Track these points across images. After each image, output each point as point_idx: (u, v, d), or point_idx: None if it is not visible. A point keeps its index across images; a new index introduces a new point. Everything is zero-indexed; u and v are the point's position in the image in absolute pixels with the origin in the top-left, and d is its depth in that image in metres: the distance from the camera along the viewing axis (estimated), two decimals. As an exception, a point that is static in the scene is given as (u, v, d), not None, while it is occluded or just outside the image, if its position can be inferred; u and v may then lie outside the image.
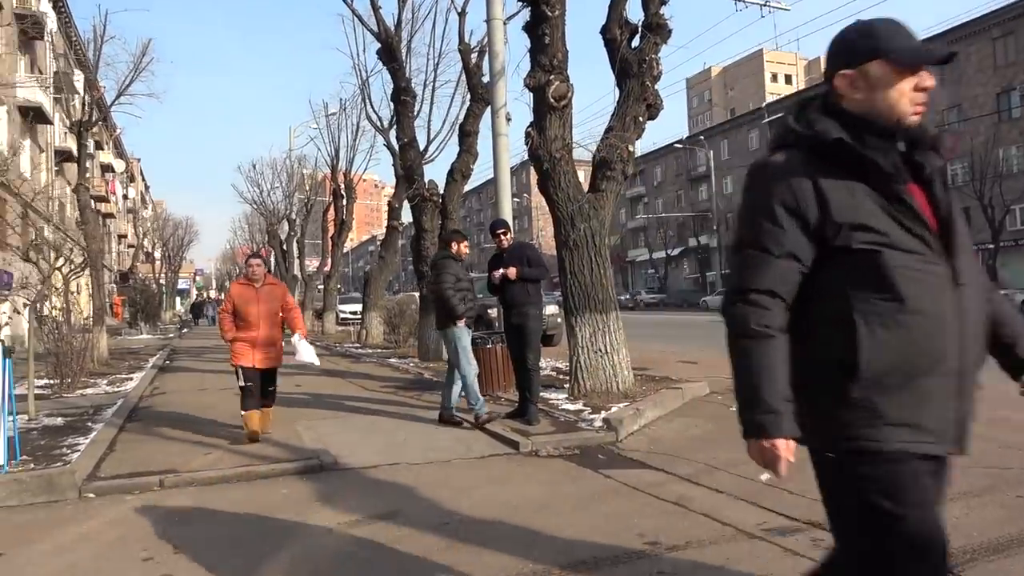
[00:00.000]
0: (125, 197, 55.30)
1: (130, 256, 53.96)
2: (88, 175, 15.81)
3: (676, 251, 58.26)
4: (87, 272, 13.70)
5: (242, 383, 6.25)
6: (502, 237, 6.90)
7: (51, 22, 27.79)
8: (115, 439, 6.39)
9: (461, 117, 13.15)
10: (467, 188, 14.99)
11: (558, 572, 3.17)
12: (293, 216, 33.23)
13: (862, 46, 1.66)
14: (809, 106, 1.75)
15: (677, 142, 57.66)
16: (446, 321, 6.58)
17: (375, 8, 13.21)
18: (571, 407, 6.86)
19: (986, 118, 34.54)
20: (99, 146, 37.50)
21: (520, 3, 8.17)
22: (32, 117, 26.19)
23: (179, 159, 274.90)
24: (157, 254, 59.36)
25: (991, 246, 31.25)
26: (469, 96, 12.68)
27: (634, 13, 8.85)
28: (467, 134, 12.58)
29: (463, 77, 13.10)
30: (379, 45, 13.34)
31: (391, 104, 14.38)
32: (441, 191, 12.97)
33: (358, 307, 25.01)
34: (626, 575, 3.14)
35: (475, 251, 63.77)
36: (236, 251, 58.38)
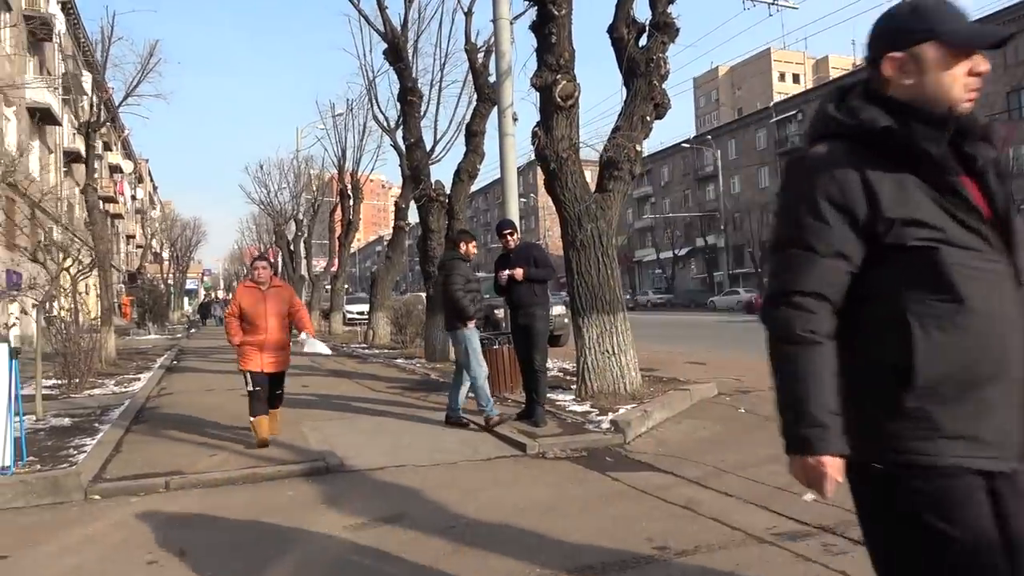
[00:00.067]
0: (133, 198, 55.54)
1: (138, 256, 54.25)
2: (96, 176, 15.93)
3: (683, 251, 58.14)
4: (95, 272, 13.73)
5: (250, 387, 6.13)
6: (508, 237, 6.86)
7: (59, 23, 27.90)
8: (121, 440, 6.40)
9: (468, 117, 13.14)
10: (474, 188, 14.97)
11: (565, 577, 3.13)
12: (300, 216, 33.35)
13: (914, 26, 1.53)
14: (850, 93, 1.62)
15: (684, 142, 57.49)
16: (456, 322, 6.56)
17: (382, 8, 13.18)
18: (578, 408, 6.82)
19: (996, 117, 34.32)
20: (107, 147, 37.70)
21: (527, 2, 8.13)
22: (40, 118, 26.30)
23: (187, 159, 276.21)
24: (165, 254, 59.70)
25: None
26: (476, 96, 12.64)
27: (641, 12, 8.78)
28: (473, 134, 12.56)
29: (470, 77, 13.06)
30: (386, 45, 13.34)
31: (398, 104, 14.42)
32: (448, 191, 12.94)
33: (365, 307, 25.08)
34: (634, 580, 3.10)
35: (482, 251, 63.84)
36: (244, 251, 58.61)
